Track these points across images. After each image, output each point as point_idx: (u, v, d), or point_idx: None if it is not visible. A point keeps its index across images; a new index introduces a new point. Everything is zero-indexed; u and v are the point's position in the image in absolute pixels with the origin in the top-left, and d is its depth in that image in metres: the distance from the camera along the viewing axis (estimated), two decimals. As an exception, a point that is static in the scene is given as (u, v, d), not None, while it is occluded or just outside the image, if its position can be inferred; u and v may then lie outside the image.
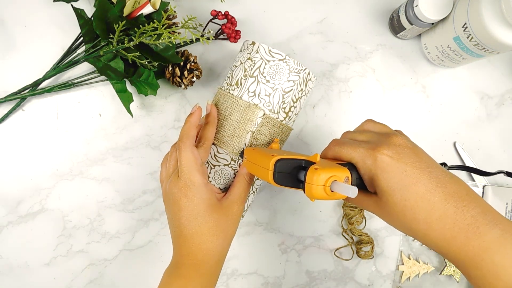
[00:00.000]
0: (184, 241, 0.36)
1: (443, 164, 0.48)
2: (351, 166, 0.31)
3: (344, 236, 0.52)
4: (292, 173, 0.31)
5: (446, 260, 0.52)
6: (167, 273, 0.37)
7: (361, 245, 0.51)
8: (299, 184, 0.30)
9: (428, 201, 0.27)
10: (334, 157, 0.33)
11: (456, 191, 0.27)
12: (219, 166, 0.40)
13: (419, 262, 0.53)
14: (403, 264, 0.53)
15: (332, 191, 0.27)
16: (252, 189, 0.42)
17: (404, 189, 0.28)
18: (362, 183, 0.32)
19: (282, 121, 0.40)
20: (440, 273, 0.52)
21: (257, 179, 0.42)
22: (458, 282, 0.52)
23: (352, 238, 0.52)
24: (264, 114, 0.39)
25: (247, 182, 0.39)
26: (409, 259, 0.53)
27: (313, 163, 0.29)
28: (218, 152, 0.40)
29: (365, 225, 0.52)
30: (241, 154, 0.39)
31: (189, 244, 0.35)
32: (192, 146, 0.36)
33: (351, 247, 0.52)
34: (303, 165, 0.30)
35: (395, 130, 0.34)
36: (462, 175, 0.54)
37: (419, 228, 0.28)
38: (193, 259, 0.35)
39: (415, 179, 0.28)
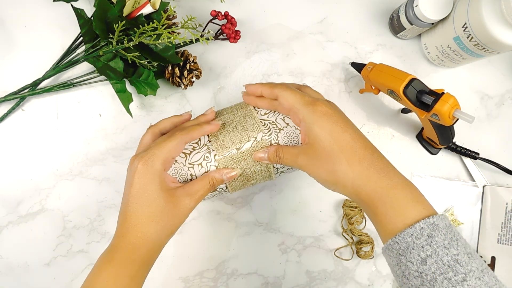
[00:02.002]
0: (124, 220, 0.35)
1: (477, 153, 0.53)
2: None
3: (344, 236, 0.52)
4: (419, 92, 0.43)
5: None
6: (102, 255, 0.36)
7: (361, 245, 0.51)
8: (417, 103, 0.44)
9: (351, 147, 0.33)
10: (274, 96, 0.38)
11: (370, 145, 0.34)
12: (178, 164, 0.39)
13: (419, 262, 0.53)
14: (403, 264, 0.53)
15: (453, 115, 0.41)
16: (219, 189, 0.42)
17: (334, 135, 0.34)
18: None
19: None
20: (440, 273, 0.52)
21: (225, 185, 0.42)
22: (458, 282, 0.52)
23: (352, 238, 0.52)
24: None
25: (209, 184, 0.38)
26: (409, 259, 0.53)
27: (438, 93, 0.42)
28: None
29: (365, 225, 0.52)
30: (355, 65, 0.51)
31: (127, 224, 0.35)
32: (158, 133, 0.39)
33: (351, 247, 0.52)
34: (428, 92, 0.43)
35: None
36: (462, 172, 0.54)
37: (341, 168, 0.33)
38: (126, 242, 0.35)
39: (343, 129, 0.34)
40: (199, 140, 0.40)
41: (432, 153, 0.54)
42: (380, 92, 0.53)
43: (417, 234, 0.29)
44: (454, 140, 0.54)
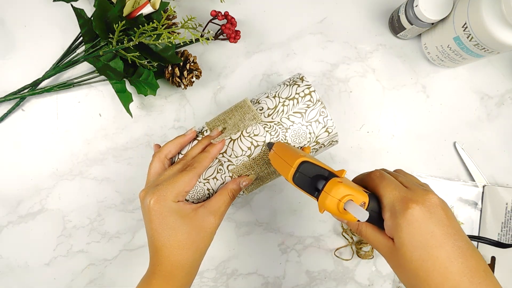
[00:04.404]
0: (155, 252, 0.35)
1: None
2: (372, 197, 0.31)
3: (344, 236, 0.52)
4: (313, 179, 0.31)
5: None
6: (141, 281, 0.36)
7: (361, 245, 0.51)
8: (314, 192, 0.30)
9: (445, 269, 0.27)
10: (365, 183, 0.33)
11: (474, 266, 0.27)
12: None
13: (419, 262, 0.53)
14: (403, 264, 0.53)
15: (344, 209, 0.27)
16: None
17: (426, 250, 0.27)
18: (379, 220, 0.31)
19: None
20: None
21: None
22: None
23: (352, 238, 0.52)
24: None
25: (229, 198, 0.38)
26: (409, 259, 0.53)
27: (337, 176, 0.30)
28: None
29: (365, 225, 0.52)
30: (269, 145, 0.39)
31: (159, 256, 0.35)
32: (164, 158, 0.39)
33: (351, 247, 0.52)
34: (326, 175, 0.30)
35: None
36: (462, 172, 0.54)
37: None
38: (163, 270, 0.35)
39: (439, 243, 0.27)
40: None
41: None
42: (382, 92, 0.53)
43: None
44: (454, 141, 0.54)
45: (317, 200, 0.29)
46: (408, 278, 0.29)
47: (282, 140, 0.39)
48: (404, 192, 0.30)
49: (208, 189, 0.39)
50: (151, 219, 0.35)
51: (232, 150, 0.39)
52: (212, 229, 0.36)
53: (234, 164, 0.39)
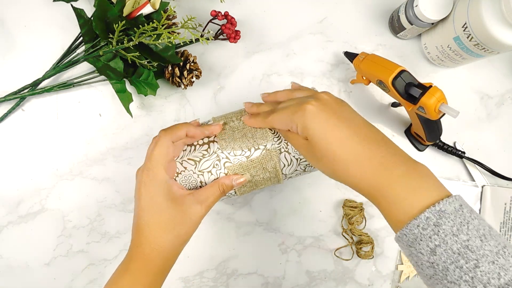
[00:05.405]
0: (137, 232, 0.35)
1: (463, 152, 0.53)
2: None
3: (344, 236, 0.52)
4: (407, 85, 0.43)
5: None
6: (119, 265, 0.36)
7: (361, 245, 0.51)
8: (405, 95, 0.43)
9: (346, 145, 0.32)
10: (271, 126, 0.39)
11: (370, 136, 0.32)
12: (187, 171, 0.39)
13: (419, 262, 0.53)
14: (402, 263, 0.53)
15: (439, 109, 0.41)
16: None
17: (327, 134, 0.32)
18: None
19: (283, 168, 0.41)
20: (440, 273, 0.52)
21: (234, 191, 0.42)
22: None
23: (352, 238, 0.52)
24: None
25: (219, 191, 0.38)
26: (409, 259, 0.53)
27: (426, 86, 0.42)
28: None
29: (365, 225, 0.52)
30: (347, 54, 0.51)
31: (140, 236, 0.35)
32: (170, 142, 0.37)
33: (351, 247, 0.52)
34: (417, 85, 0.43)
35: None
36: (461, 172, 0.54)
37: (339, 168, 0.32)
38: (141, 252, 0.35)
39: (335, 126, 0.32)
40: (209, 147, 0.39)
41: (419, 150, 0.53)
42: (382, 92, 0.53)
43: (423, 224, 0.27)
44: (454, 141, 0.54)
45: (412, 101, 0.43)
46: (324, 164, 0.33)
47: (283, 148, 0.39)
48: (296, 101, 0.35)
49: (201, 181, 0.39)
50: (140, 195, 0.35)
51: (232, 148, 0.39)
52: (196, 217, 0.36)
53: (231, 162, 0.39)
